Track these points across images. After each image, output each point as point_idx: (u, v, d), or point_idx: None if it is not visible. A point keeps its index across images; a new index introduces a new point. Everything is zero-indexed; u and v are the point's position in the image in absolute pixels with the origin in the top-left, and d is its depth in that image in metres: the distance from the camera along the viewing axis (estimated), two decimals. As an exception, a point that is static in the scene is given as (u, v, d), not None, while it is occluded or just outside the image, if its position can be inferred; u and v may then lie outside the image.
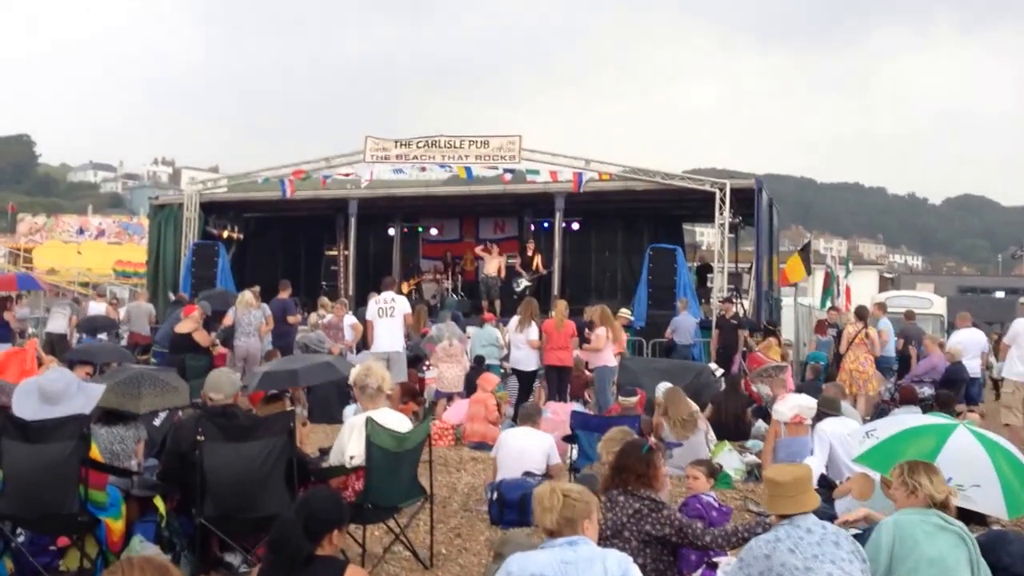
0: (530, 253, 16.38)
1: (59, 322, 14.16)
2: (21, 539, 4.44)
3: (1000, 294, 47.50)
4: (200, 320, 10.29)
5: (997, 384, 11.92)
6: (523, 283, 16.05)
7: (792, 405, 6.46)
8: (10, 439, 4.29)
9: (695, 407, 7.68)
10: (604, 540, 3.69)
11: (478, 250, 17.23)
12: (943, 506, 3.43)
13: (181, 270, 16.41)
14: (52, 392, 4.53)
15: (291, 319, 12.04)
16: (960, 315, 12.14)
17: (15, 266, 34.85)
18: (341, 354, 10.87)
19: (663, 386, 8.26)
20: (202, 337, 10.12)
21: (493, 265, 16.37)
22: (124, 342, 13.39)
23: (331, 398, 9.65)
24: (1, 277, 16.88)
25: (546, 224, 17.33)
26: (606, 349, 9.77)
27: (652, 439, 6.97)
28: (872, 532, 3.51)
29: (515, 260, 16.62)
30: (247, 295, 10.98)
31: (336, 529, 3.16)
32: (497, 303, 15.66)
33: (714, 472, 5.37)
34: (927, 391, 10.03)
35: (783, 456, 6.09)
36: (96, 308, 14.91)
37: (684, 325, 12.43)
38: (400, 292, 12.77)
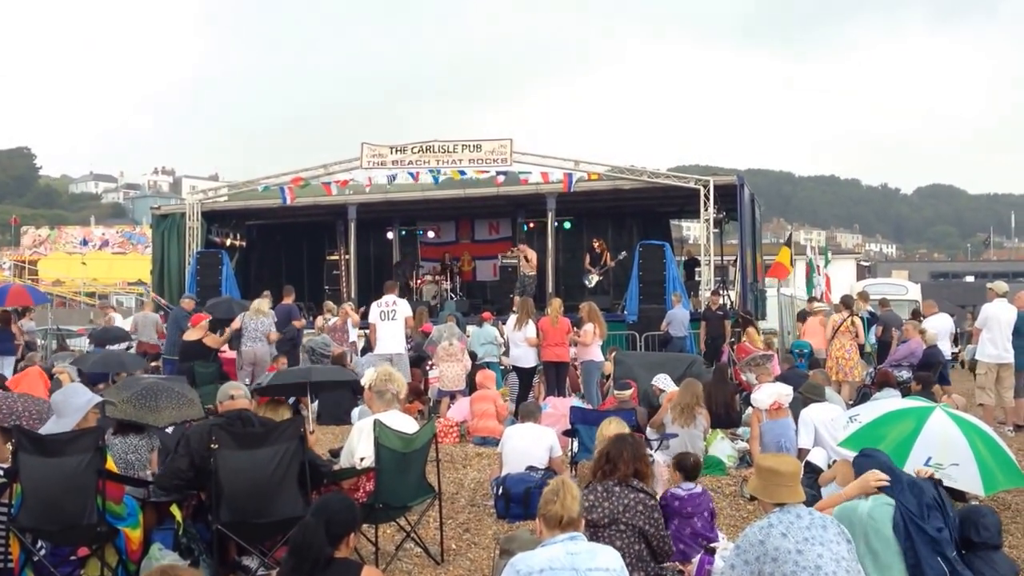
0: (598, 249, 16.57)
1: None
2: (43, 551, 4.47)
3: (970, 279, 48.39)
4: (207, 327, 10.49)
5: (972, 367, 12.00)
6: (594, 279, 16.24)
7: (769, 393, 6.80)
8: (27, 454, 4.34)
9: (700, 401, 7.74)
10: (600, 528, 3.85)
11: (515, 251, 17.28)
12: None
13: (186, 279, 16.57)
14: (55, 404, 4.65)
15: (296, 323, 12.25)
16: (926, 303, 12.50)
17: (20, 279, 35.01)
18: (343, 356, 11.06)
19: (660, 378, 8.45)
20: (213, 341, 10.35)
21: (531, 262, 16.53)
22: (133, 351, 13.57)
23: (340, 400, 9.80)
24: (13, 290, 16.81)
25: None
26: (593, 344, 9.91)
27: (648, 431, 7.13)
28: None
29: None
30: (258, 302, 11.18)
31: (352, 532, 3.22)
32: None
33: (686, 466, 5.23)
34: (905, 375, 10.20)
35: (769, 439, 6.40)
36: (117, 320, 14.98)
37: (678, 317, 12.73)
38: (402, 294, 12.95)
